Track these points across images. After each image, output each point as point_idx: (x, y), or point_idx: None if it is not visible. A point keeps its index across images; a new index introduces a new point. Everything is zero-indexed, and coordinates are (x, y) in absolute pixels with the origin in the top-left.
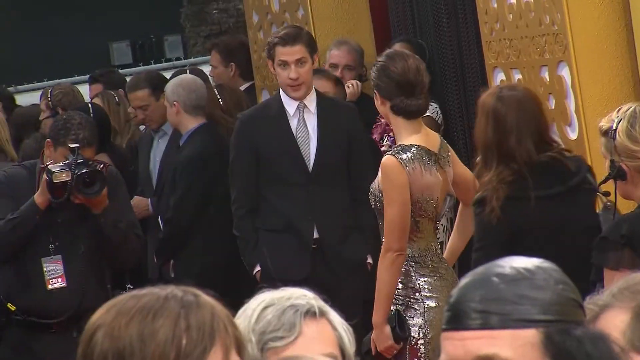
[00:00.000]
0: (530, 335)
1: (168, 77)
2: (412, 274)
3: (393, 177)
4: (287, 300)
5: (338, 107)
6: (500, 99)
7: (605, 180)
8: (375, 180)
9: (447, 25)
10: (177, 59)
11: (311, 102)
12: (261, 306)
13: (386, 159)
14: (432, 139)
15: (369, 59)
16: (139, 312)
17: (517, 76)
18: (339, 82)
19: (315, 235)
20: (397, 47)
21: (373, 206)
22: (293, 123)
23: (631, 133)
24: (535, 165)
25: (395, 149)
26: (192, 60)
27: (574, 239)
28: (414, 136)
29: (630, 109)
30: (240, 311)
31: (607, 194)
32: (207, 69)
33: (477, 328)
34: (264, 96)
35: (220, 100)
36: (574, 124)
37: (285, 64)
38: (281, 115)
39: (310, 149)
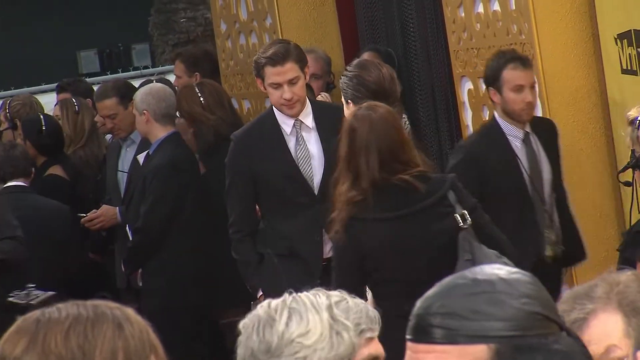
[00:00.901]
0: (479, 351)
1: (136, 86)
2: None
3: None
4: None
5: (332, 112)
6: (356, 117)
7: (624, 169)
8: None
9: (415, 35)
10: (145, 67)
11: (307, 116)
12: (335, 299)
13: None
14: None
15: (337, 67)
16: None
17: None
18: (309, 89)
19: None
20: (366, 55)
21: None
22: (291, 144)
23: None
24: (380, 186)
25: None
26: (160, 68)
27: (428, 259)
28: None
29: None
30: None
31: (628, 184)
32: (173, 78)
33: (428, 342)
34: (233, 104)
35: (201, 98)
36: None
37: (277, 86)
38: (277, 135)
39: (313, 169)
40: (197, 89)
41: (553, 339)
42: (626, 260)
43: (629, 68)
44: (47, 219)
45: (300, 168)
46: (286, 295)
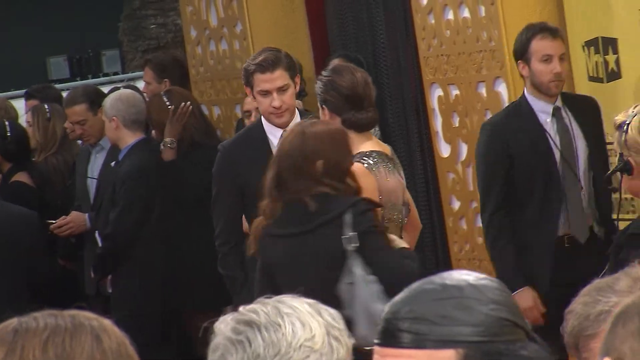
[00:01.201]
0: (447, 356)
1: (106, 92)
2: None
3: (363, 182)
4: None
5: None
6: (284, 135)
7: (612, 173)
8: None
9: (385, 41)
10: (115, 73)
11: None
12: (318, 305)
13: (353, 167)
14: (384, 147)
15: (307, 74)
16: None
17: (455, 92)
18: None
19: None
20: (336, 62)
21: None
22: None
23: None
24: (283, 203)
25: (357, 156)
26: (130, 75)
27: (320, 277)
28: (368, 143)
29: None
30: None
31: (615, 190)
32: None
33: (396, 346)
34: (203, 111)
35: (169, 106)
36: None
37: (266, 93)
38: (264, 146)
39: None
40: (165, 98)
41: (520, 345)
42: (621, 262)
43: (596, 75)
44: (15, 225)
45: None
46: (268, 300)
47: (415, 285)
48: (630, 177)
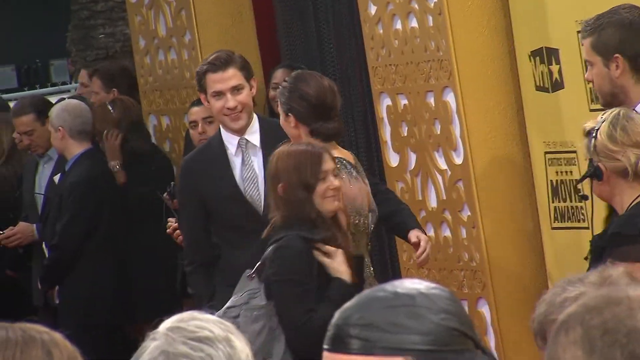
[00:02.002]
0: None
1: (54, 102)
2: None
3: None
4: None
5: (281, 129)
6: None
7: (582, 179)
8: None
9: (333, 51)
10: (63, 83)
11: (253, 133)
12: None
13: None
14: (347, 154)
15: (256, 84)
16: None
17: (404, 101)
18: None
19: None
20: (280, 73)
21: None
22: (237, 164)
23: (612, 134)
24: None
25: None
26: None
27: None
28: (333, 151)
29: (615, 112)
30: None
31: (585, 197)
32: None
33: (345, 352)
34: (151, 121)
35: (114, 115)
36: (460, 149)
37: (219, 94)
38: (222, 155)
39: (259, 191)
40: (110, 107)
41: (469, 356)
42: (604, 263)
43: (542, 85)
44: None
45: (244, 190)
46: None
47: (366, 292)
48: (600, 182)
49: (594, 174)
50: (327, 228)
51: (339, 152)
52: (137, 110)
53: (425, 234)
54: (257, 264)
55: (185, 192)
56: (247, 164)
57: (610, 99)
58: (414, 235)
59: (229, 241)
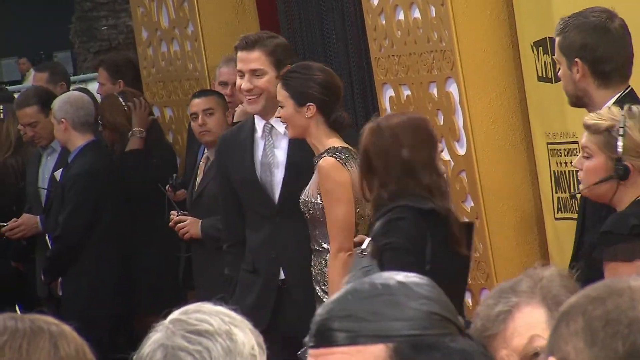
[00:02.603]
0: (378, 350)
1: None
2: None
3: (337, 176)
4: None
5: None
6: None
7: (605, 180)
8: (309, 187)
9: (337, 42)
10: None
11: (279, 120)
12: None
13: (325, 161)
14: (353, 149)
15: None
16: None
17: (406, 92)
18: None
19: (282, 276)
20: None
21: (308, 215)
22: (259, 148)
23: None
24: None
25: (329, 151)
26: (82, 76)
27: None
28: (336, 139)
29: (634, 108)
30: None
31: (574, 196)
32: (96, 85)
33: (329, 345)
34: (154, 112)
35: (125, 107)
36: (463, 139)
37: (241, 73)
38: (249, 137)
39: (274, 177)
40: (120, 98)
41: (450, 338)
42: (595, 261)
43: (545, 76)
44: None
45: (259, 175)
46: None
47: (346, 287)
48: (623, 183)
49: (622, 174)
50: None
51: (341, 142)
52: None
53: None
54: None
55: (218, 169)
56: (268, 149)
57: (576, 100)
58: (360, 237)
59: (247, 222)
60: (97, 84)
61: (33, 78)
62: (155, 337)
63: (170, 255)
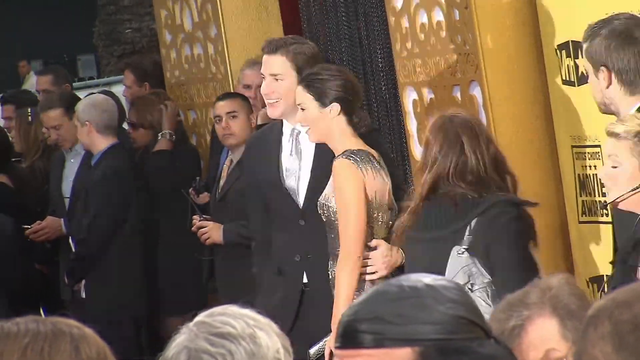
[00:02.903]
0: (404, 353)
1: (81, 97)
2: (368, 285)
3: (350, 178)
4: None
5: None
6: (433, 123)
7: (636, 190)
8: (326, 190)
9: (360, 44)
10: (90, 78)
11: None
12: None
13: (339, 162)
14: (372, 150)
15: None
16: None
17: (430, 95)
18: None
19: (305, 279)
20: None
21: (324, 218)
22: (285, 151)
23: None
24: (430, 201)
25: (345, 153)
26: (106, 79)
27: None
28: (356, 141)
29: None
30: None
31: (605, 207)
32: (120, 88)
33: (355, 347)
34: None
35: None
36: None
37: (263, 77)
38: (277, 140)
39: (299, 181)
40: (155, 98)
41: (478, 343)
42: (630, 268)
43: (568, 79)
44: None
45: (284, 178)
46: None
47: (373, 288)
48: None
49: None
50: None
51: (360, 145)
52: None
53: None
54: (469, 239)
55: (246, 167)
56: (293, 154)
57: (604, 107)
58: (377, 242)
59: (273, 224)
60: (122, 86)
61: (36, 81)
62: (180, 339)
63: (194, 258)
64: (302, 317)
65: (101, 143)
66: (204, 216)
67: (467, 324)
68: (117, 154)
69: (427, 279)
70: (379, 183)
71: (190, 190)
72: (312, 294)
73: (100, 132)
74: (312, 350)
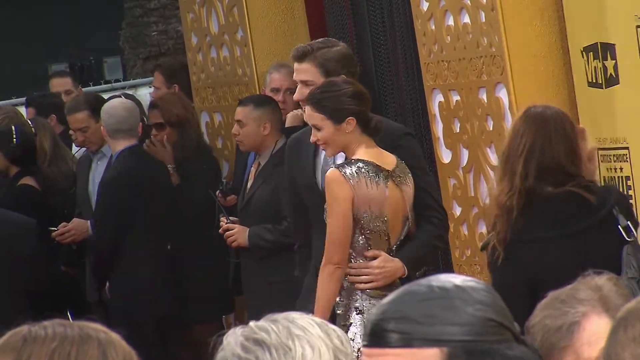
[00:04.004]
0: (432, 354)
1: (107, 99)
2: (358, 294)
3: (336, 190)
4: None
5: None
6: (527, 114)
7: None
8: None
9: (386, 47)
10: (117, 80)
11: None
12: (328, 326)
13: (330, 173)
14: (386, 157)
15: None
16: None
17: (456, 98)
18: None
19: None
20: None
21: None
22: (321, 153)
23: None
24: (541, 198)
25: (340, 163)
26: (131, 82)
27: None
28: (370, 150)
29: None
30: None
31: (637, 224)
32: (145, 91)
33: (383, 346)
34: (203, 118)
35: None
36: None
37: (296, 84)
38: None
39: None
40: (176, 97)
41: (506, 345)
42: None
43: (595, 81)
44: (13, 232)
45: (319, 180)
46: (278, 317)
47: (402, 287)
48: None
49: None
50: None
51: (370, 154)
52: (192, 109)
53: (403, 268)
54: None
55: (286, 169)
56: (329, 157)
57: None
58: (374, 252)
59: (313, 229)
60: (148, 88)
61: (53, 84)
62: (226, 341)
63: (221, 261)
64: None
65: (116, 146)
66: (230, 218)
67: (496, 326)
68: (127, 156)
69: (457, 279)
70: (373, 194)
71: (217, 192)
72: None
73: (111, 135)
74: None
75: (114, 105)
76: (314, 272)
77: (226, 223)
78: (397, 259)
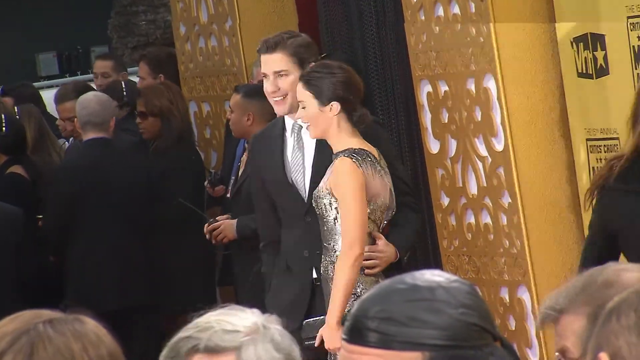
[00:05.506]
0: (413, 358)
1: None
2: (359, 281)
3: (353, 176)
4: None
5: None
6: None
7: None
8: (321, 184)
9: (375, 37)
10: None
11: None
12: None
13: (341, 160)
14: (371, 148)
15: None
16: None
17: (444, 88)
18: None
19: (314, 275)
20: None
21: (318, 211)
22: (289, 147)
23: None
24: None
25: (347, 151)
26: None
27: None
28: (356, 140)
29: None
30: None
31: None
32: (134, 80)
33: (364, 344)
34: (191, 107)
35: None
36: (500, 135)
37: (265, 76)
38: (280, 136)
39: (304, 177)
40: (163, 87)
41: (488, 351)
42: None
43: (585, 72)
44: (0, 221)
45: (289, 174)
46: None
47: (386, 283)
48: None
49: None
50: None
51: (361, 143)
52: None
53: (397, 253)
54: None
55: (251, 167)
56: (298, 149)
57: None
58: (375, 234)
59: (282, 224)
60: (137, 77)
61: (96, 66)
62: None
63: (203, 255)
64: (313, 312)
65: (84, 138)
66: (211, 219)
67: (479, 330)
68: (83, 148)
69: (442, 279)
70: (378, 183)
71: (205, 183)
72: (323, 289)
73: (81, 126)
74: (307, 321)
75: (89, 98)
76: (284, 268)
77: (209, 225)
78: (391, 244)
